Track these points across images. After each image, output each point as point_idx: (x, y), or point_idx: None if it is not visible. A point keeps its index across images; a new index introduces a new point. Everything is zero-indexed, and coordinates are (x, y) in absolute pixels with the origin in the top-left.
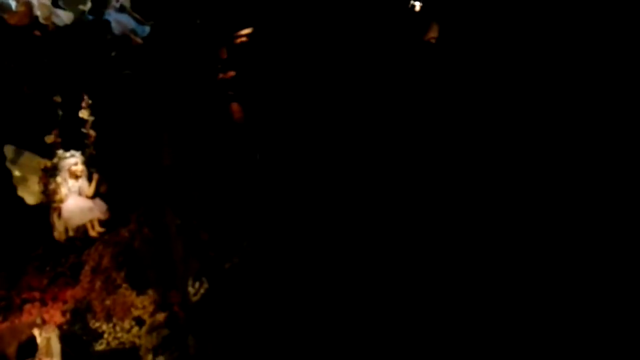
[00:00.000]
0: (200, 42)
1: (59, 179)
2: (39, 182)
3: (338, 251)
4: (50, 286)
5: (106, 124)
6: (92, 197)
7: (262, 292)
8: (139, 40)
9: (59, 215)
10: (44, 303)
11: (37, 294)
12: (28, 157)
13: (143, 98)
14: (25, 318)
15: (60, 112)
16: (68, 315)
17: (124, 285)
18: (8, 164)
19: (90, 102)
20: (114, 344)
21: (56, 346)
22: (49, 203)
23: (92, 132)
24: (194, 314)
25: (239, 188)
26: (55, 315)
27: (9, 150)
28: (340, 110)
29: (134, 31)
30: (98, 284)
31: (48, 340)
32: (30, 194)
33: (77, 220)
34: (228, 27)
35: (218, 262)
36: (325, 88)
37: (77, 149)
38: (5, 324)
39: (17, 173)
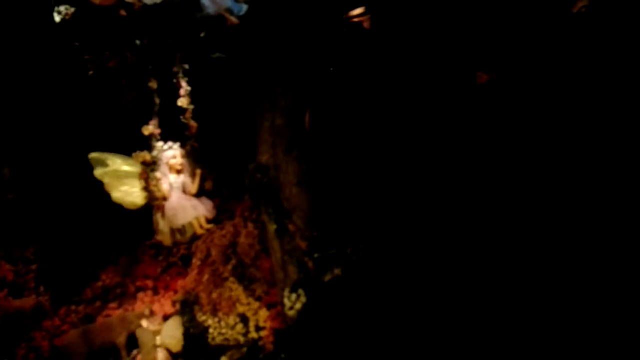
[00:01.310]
0: (304, 22)
1: (158, 174)
2: (139, 179)
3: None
4: (163, 275)
5: (200, 113)
6: (198, 196)
7: (369, 313)
8: (234, 20)
9: (163, 214)
10: (156, 292)
11: (150, 283)
12: (115, 160)
13: (237, 85)
14: (138, 307)
15: (157, 100)
16: (178, 306)
17: (231, 279)
18: (97, 174)
19: (189, 89)
20: (219, 339)
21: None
22: (152, 201)
23: (193, 123)
24: (285, 340)
25: (344, 189)
26: (166, 305)
27: (95, 159)
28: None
29: (229, 10)
30: (206, 276)
31: (154, 333)
32: (130, 198)
33: (181, 219)
34: (337, 5)
35: (317, 273)
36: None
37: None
38: (119, 312)
39: (107, 180)
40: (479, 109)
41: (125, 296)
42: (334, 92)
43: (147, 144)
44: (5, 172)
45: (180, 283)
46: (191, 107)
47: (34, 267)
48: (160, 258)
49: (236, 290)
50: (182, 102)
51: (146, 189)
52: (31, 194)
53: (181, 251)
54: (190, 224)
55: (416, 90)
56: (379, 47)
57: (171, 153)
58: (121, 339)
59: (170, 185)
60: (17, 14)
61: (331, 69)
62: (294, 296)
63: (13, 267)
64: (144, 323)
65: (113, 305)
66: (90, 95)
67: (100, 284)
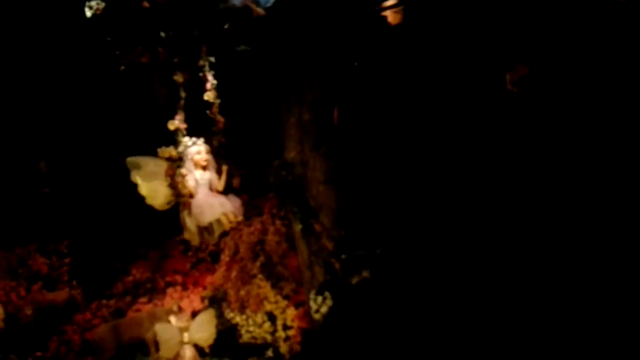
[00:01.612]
0: (331, 14)
1: (184, 170)
2: (165, 176)
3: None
4: (192, 271)
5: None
6: (225, 193)
7: (399, 319)
8: (260, 11)
9: (189, 212)
10: (185, 287)
11: (179, 278)
12: (148, 162)
13: (263, 78)
14: (167, 302)
15: (183, 94)
16: (206, 302)
17: (259, 276)
18: (133, 177)
19: (215, 82)
20: (246, 337)
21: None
22: (178, 197)
23: (220, 118)
24: (311, 343)
25: (373, 187)
26: (195, 300)
27: (131, 162)
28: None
29: (255, 0)
30: (234, 273)
31: (180, 329)
32: (158, 200)
33: (208, 216)
34: None
35: (344, 274)
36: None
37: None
38: (148, 307)
39: (140, 182)
40: (511, 105)
41: (154, 291)
42: (363, 86)
43: (173, 139)
44: (41, 166)
45: (209, 279)
46: (217, 101)
47: (67, 260)
48: (190, 253)
49: (264, 287)
50: (209, 95)
51: (171, 185)
52: (66, 188)
53: (210, 247)
54: (218, 222)
55: (446, 86)
56: (408, 40)
57: (195, 149)
58: (149, 335)
59: (196, 181)
60: (50, 10)
61: (355, 64)
62: (319, 299)
63: (47, 260)
64: (172, 319)
65: (143, 299)
66: (123, 91)
67: (130, 278)
